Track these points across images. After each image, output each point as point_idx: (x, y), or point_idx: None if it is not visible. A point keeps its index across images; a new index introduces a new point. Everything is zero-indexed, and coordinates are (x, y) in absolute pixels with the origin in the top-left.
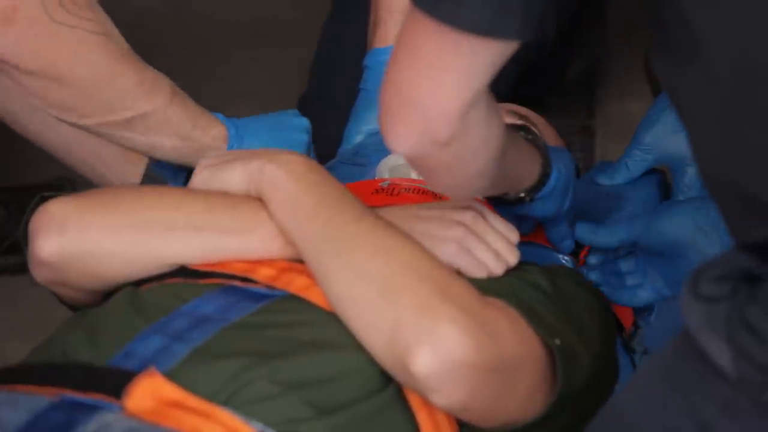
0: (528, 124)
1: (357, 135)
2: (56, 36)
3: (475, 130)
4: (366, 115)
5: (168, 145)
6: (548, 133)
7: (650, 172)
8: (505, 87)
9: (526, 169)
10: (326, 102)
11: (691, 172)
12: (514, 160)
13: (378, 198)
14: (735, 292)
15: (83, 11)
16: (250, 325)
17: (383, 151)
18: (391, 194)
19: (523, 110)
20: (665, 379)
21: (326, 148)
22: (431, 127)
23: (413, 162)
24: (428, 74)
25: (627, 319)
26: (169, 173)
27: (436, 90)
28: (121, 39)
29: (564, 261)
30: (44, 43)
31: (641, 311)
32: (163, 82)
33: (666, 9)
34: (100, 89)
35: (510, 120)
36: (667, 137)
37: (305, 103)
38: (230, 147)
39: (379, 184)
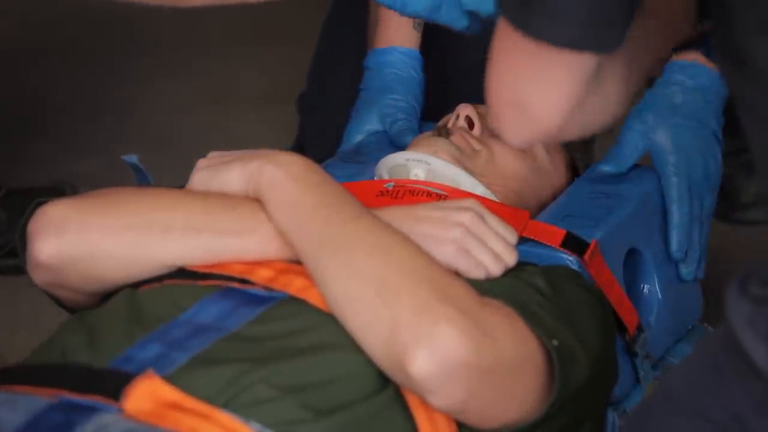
0: None
1: (357, 134)
2: None
3: (589, 107)
4: (366, 115)
5: None
6: None
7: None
8: None
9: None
10: (326, 102)
11: (672, 160)
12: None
13: (382, 200)
14: None
15: None
16: (248, 337)
17: (383, 150)
18: (395, 197)
19: None
20: (710, 367)
21: (326, 148)
22: (541, 125)
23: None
24: (529, 82)
25: (631, 322)
26: None
27: (539, 96)
28: None
29: (568, 261)
30: None
31: (642, 312)
32: None
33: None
34: None
35: None
36: (651, 130)
37: (304, 102)
38: None
39: (384, 185)
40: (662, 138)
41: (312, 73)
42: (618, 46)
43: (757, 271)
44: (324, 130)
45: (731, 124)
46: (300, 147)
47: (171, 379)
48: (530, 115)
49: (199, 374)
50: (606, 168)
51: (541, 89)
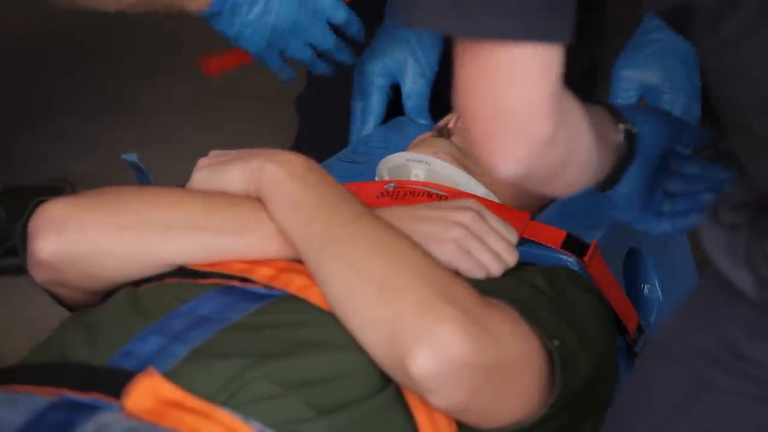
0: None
1: (375, 65)
2: None
3: (569, 118)
4: (399, 51)
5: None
6: None
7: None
8: None
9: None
10: (324, 102)
11: (666, 99)
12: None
13: (383, 201)
14: (754, 221)
15: None
16: (248, 326)
17: (384, 148)
18: (395, 197)
19: None
20: (697, 304)
21: (325, 148)
22: (532, 130)
23: (527, 178)
24: (503, 86)
25: (631, 323)
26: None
27: (518, 96)
28: None
29: (568, 262)
30: None
31: (642, 312)
32: None
33: None
34: None
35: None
36: (640, 72)
37: (303, 103)
38: None
39: (384, 186)
40: (654, 78)
41: (310, 74)
42: (568, 38)
43: (723, 198)
44: (322, 130)
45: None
46: (298, 148)
47: (172, 374)
48: (517, 122)
49: (199, 369)
50: None
51: (517, 90)
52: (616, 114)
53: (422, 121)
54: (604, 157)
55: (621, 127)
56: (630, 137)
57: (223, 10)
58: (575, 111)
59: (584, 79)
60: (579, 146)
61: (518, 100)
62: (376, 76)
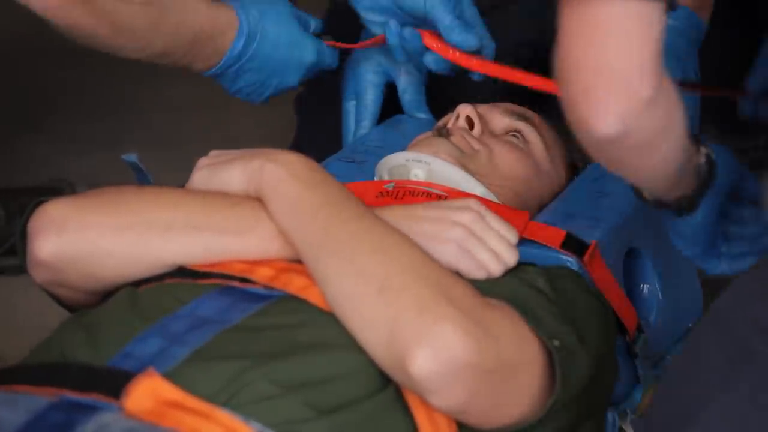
0: None
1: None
2: None
3: (667, 85)
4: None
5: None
6: (547, 134)
7: None
8: (504, 87)
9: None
10: (322, 103)
11: None
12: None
13: (382, 201)
14: None
15: None
16: (248, 328)
17: (383, 147)
18: (395, 197)
19: (523, 110)
20: (755, 277)
21: (323, 149)
22: (634, 86)
23: (626, 138)
24: (608, 43)
25: (631, 322)
26: None
27: (622, 52)
28: None
29: (568, 262)
30: None
31: (642, 312)
32: None
33: None
34: None
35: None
36: None
37: (302, 103)
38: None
39: (384, 186)
40: None
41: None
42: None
43: None
44: (322, 130)
45: (736, 123)
46: (298, 148)
47: (172, 375)
48: (619, 77)
49: (199, 370)
50: None
51: (620, 45)
52: (695, 138)
53: (421, 115)
54: (687, 172)
55: (703, 150)
56: (710, 163)
57: (227, 72)
58: (671, 81)
59: None
60: (676, 116)
61: (621, 55)
62: (371, 74)
